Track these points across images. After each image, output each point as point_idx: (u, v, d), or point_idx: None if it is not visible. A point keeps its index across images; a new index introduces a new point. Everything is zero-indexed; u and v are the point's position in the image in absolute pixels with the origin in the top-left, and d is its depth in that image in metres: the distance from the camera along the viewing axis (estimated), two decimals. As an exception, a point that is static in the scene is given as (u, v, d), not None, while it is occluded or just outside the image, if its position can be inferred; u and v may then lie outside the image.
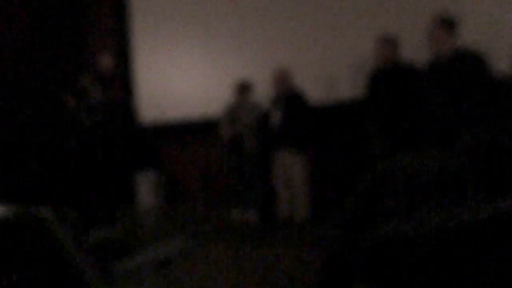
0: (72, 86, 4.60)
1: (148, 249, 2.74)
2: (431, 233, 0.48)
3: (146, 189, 5.06)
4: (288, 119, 4.32)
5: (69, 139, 4.25)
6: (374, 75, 3.90)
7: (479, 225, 0.46)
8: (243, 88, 4.63)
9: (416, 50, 3.96)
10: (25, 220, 1.06)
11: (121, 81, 5.67)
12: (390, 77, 3.78)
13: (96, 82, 4.46)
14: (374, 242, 0.55)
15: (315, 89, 4.60)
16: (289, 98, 4.37)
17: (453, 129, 3.30)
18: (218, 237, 4.02)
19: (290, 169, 4.34)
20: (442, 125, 3.40)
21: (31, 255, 1.05)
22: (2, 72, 5.33)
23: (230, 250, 3.59)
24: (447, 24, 3.42)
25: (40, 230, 1.06)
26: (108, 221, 4.30)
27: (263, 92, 4.71)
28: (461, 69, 3.33)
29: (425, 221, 0.50)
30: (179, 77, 5.54)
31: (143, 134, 5.50)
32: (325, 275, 0.68)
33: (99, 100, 4.39)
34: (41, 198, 4.78)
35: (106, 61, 4.73)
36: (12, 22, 5.49)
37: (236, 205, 4.63)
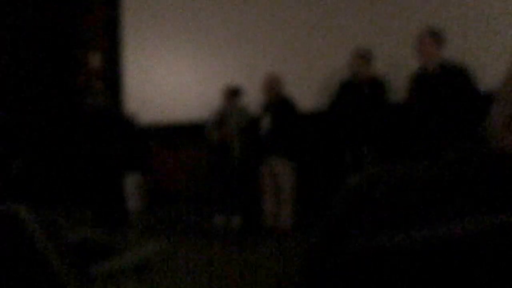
0: (63, 86, 4.58)
1: (126, 252, 2.72)
2: (413, 247, 0.48)
3: (131, 192, 5.03)
4: (277, 125, 4.31)
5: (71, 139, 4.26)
6: (343, 87, 3.99)
7: (465, 241, 0.46)
8: (232, 93, 4.63)
9: (393, 64, 4.06)
10: (0, 218, 1.05)
11: (110, 82, 5.65)
12: (363, 89, 3.87)
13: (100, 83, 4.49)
14: (350, 256, 0.55)
15: (305, 96, 4.61)
16: (278, 104, 4.37)
17: (438, 141, 3.32)
18: (198, 242, 4.00)
19: (278, 176, 4.32)
20: (426, 137, 3.42)
21: (6, 254, 1.05)
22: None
23: (210, 255, 3.57)
24: (435, 36, 3.46)
25: (15, 229, 1.05)
26: (96, 222, 4.28)
27: (253, 97, 4.72)
28: (447, 82, 3.37)
29: (406, 234, 0.49)
30: (168, 79, 5.54)
31: (131, 136, 5.48)
32: (304, 286, 0.68)
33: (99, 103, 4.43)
34: (23, 197, 4.74)
35: (96, 62, 4.72)
36: (3, 23, 5.46)
37: (220, 211, 4.61)
